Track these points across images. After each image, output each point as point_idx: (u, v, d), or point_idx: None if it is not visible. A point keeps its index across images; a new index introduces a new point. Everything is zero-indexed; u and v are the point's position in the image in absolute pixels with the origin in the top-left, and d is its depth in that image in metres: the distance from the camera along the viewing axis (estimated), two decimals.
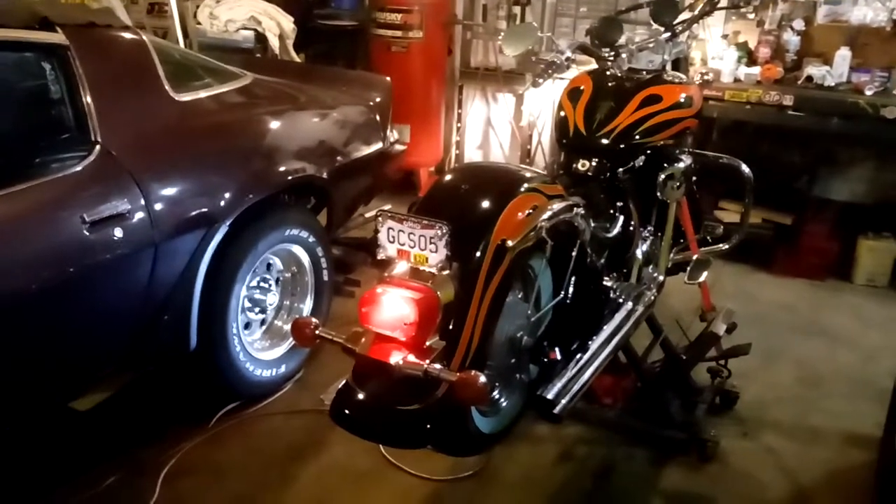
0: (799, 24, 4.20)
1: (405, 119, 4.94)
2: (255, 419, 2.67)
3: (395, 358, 1.60)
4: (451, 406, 1.59)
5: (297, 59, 4.51)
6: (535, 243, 1.86)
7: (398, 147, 3.54)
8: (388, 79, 3.63)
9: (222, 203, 2.40)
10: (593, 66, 2.68)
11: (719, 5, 2.71)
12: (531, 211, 1.81)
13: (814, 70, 4.03)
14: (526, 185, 1.87)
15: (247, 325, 2.73)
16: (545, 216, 1.84)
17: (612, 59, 2.60)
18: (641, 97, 2.44)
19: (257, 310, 2.78)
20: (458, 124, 5.37)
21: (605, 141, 2.38)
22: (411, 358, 1.60)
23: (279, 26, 4.30)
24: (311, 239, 2.85)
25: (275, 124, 2.77)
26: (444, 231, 1.60)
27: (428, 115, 5.08)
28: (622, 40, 2.68)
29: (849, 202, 4.12)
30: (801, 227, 4.13)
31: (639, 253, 2.44)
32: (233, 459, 2.47)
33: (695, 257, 2.76)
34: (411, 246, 1.64)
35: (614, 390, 2.72)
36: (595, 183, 2.41)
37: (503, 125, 5.34)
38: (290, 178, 2.73)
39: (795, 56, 4.22)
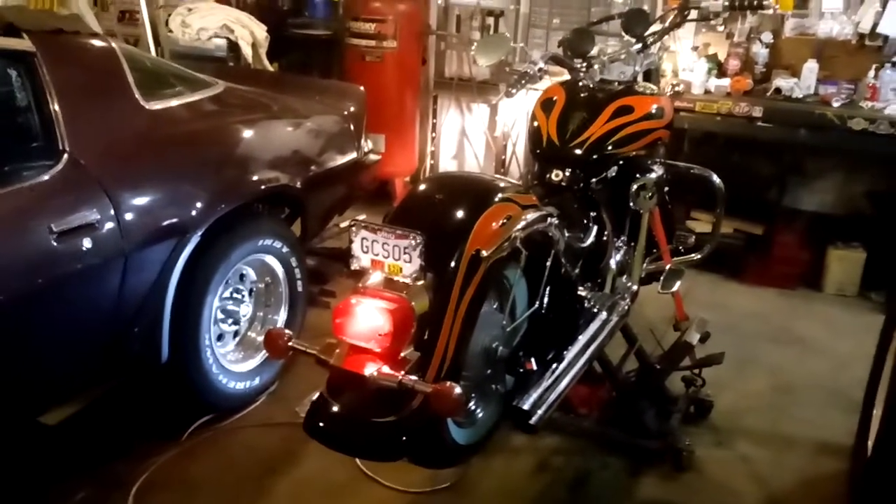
0: (767, 37, 4.27)
1: (380, 129, 4.93)
2: (228, 432, 2.63)
3: (370, 369, 1.58)
4: (427, 418, 1.57)
5: (270, 68, 4.49)
6: (510, 253, 1.86)
7: (372, 157, 3.53)
8: (362, 88, 3.62)
9: (193, 213, 2.37)
10: (566, 76, 2.71)
11: (689, 17, 2.73)
12: (505, 221, 1.81)
13: (782, 82, 4.10)
14: (500, 195, 1.87)
15: (220, 337, 2.70)
16: (519, 226, 1.84)
17: (584, 70, 2.62)
18: (613, 108, 2.46)
19: (230, 321, 2.74)
20: (433, 134, 5.38)
21: (577, 151, 2.39)
22: (386, 369, 1.58)
23: (252, 35, 4.28)
24: (285, 249, 2.82)
25: (247, 133, 2.74)
26: (418, 241, 1.59)
27: (402, 125, 5.08)
28: (594, 51, 2.70)
29: (818, 212, 4.19)
30: (772, 237, 4.18)
31: (612, 263, 2.45)
32: (206, 474, 2.43)
33: (668, 267, 2.77)
34: (385, 256, 1.63)
35: (590, 400, 2.72)
36: (569, 193, 2.42)
37: (478, 135, 5.35)
38: (262, 187, 2.70)
39: (764, 68, 4.29)
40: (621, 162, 2.52)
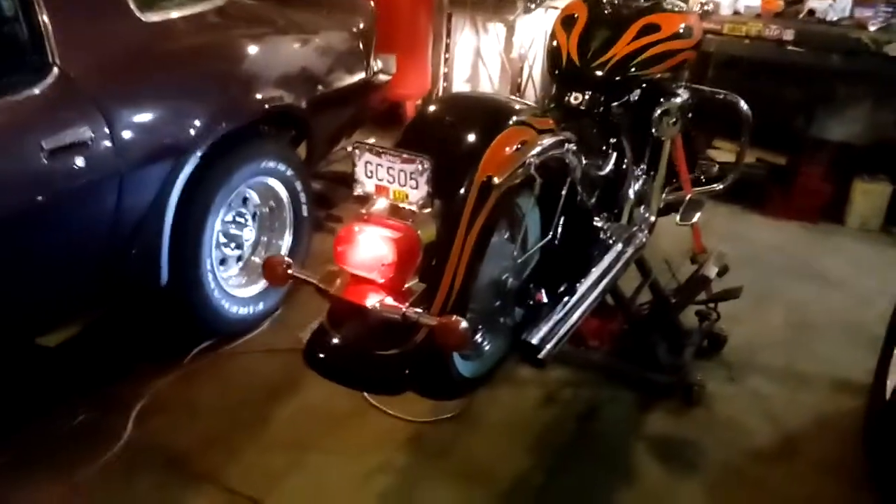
0: None
1: (391, 48, 4.71)
2: (230, 357, 2.59)
3: (372, 301, 1.50)
4: (431, 351, 1.50)
5: None
6: (523, 181, 1.75)
7: (382, 77, 3.38)
8: (372, 3, 3.43)
9: (192, 132, 2.26)
10: None
11: None
12: (520, 146, 1.69)
13: (816, 3, 3.87)
14: (515, 118, 1.76)
15: (223, 261, 2.63)
16: (534, 152, 1.72)
17: None
18: (639, 26, 2.30)
19: (233, 245, 2.66)
20: (447, 55, 5.17)
21: (599, 72, 2.25)
22: (389, 301, 1.51)
23: None
24: (289, 172, 2.71)
25: (251, 49, 2.60)
26: (426, 166, 1.49)
27: (415, 45, 4.89)
28: None
29: (845, 143, 4.01)
30: (796, 168, 4.03)
31: (631, 192, 2.33)
32: (206, 398, 2.40)
33: (688, 197, 2.66)
34: (390, 182, 1.53)
35: (601, 332, 2.65)
36: (588, 117, 2.29)
37: (493, 57, 5.15)
38: (266, 107, 2.58)
39: None
40: (644, 85, 2.38)
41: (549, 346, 1.77)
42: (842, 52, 3.67)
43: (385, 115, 4.79)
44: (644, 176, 2.50)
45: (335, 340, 1.55)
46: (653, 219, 2.53)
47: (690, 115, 2.74)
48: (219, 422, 2.31)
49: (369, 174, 1.55)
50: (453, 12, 5.03)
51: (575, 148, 1.92)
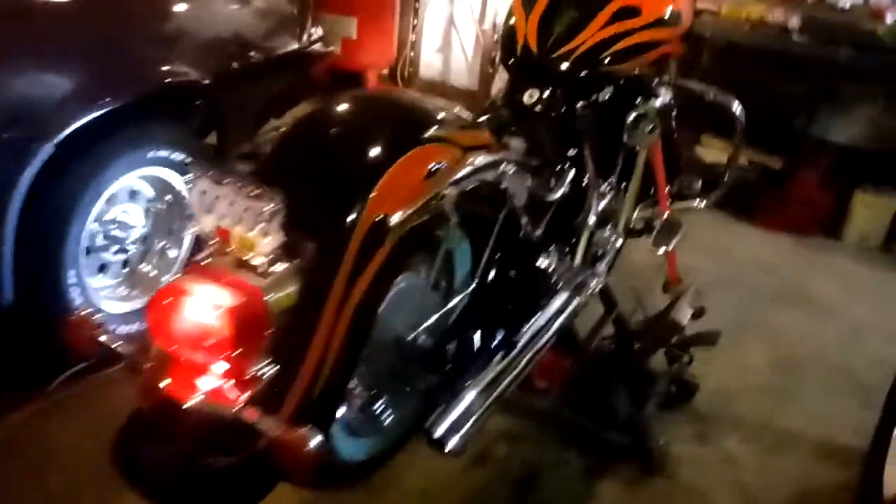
0: None
1: (351, 11, 4.29)
2: (104, 386, 2.13)
3: (196, 393, 1.07)
4: (273, 467, 1.08)
5: None
6: (438, 216, 1.32)
7: (320, 48, 2.89)
8: None
9: (42, 116, 1.79)
10: None
11: None
12: (432, 172, 1.25)
13: None
14: (432, 131, 1.30)
15: (102, 268, 2.18)
16: (454, 179, 1.28)
17: None
18: (614, 8, 1.85)
19: (114, 249, 2.20)
20: (415, 21, 4.68)
21: (562, 64, 1.80)
22: (220, 392, 1.07)
23: None
24: (190, 161, 2.25)
25: (134, 8, 2.11)
26: (280, 206, 1.05)
27: (378, 8, 4.40)
28: None
29: (848, 147, 3.57)
30: (792, 173, 3.61)
31: (592, 216, 1.89)
32: (71, 438, 1.96)
33: (664, 216, 2.22)
34: (233, 223, 1.09)
35: (551, 372, 2.22)
36: (544, 121, 1.84)
37: (467, 25, 4.66)
38: (154, 83, 2.11)
39: None
40: (617, 82, 1.93)
41: (456, 439, 1.35)
42: (853, 45, 3.23)
43: (345, 85, 4.32)
44: (611, 191, 2.07)
45: (147, 440, 1.12)
46: (620, 242, 2.10)
47: (674, 115, 2.31)
48: (86, 468, 1.87)
49: (208, 209, 1.10)
50: None
51: (515, 168, 1.48)
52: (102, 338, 1.17)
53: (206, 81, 2.28)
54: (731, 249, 3.36)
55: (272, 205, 1.05)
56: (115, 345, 1.16)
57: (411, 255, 1.33)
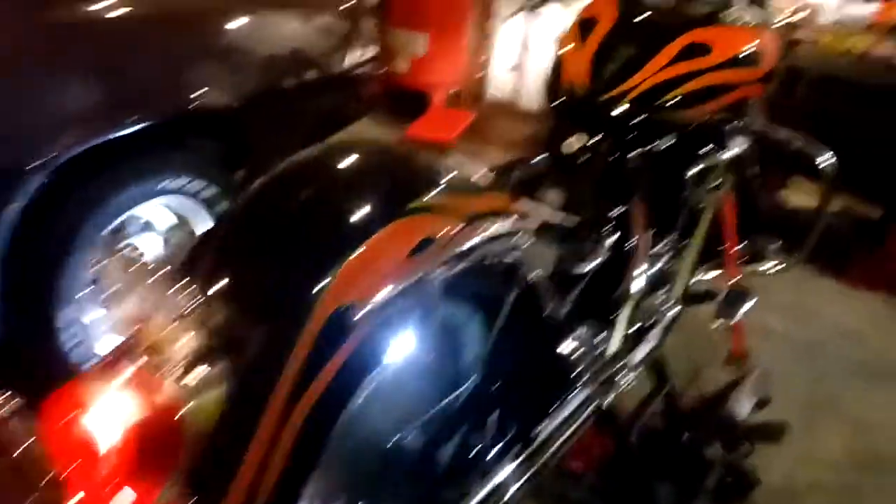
0: None
1: (422, 26, 4.10)
2: None
3: None
4: None
5: None
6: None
7: (370, 69, 2.69)
8: None
9: (34, 145, 1.65)
10: None
11: None
12: (423, 246, 1.02)
13: None
14: (423, 199, 1.07)
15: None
16: (443, 258, 1.04)
17: None
18: (681, 44, 1.58)
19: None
20: (486, 39, 4.45)
21: (614, 107, 1.54)
22: None
23: None
24: (210, 192, 2.09)
25: (153, 21, 1.95)
26: (197, 297, 0.84)
27: (451, 24, 4.18)
28: None
29: None
30: (890, 224, 3.19)
31: (638, 283, 1.61)
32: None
33: (730, 283, 1.92)
34: (147, 315, 0.89)
35: (589, 451, 1.96)
36: (587, 172, 1.59)
37: (543, 45, 4.39)
38: (171, 108, 1.95)
39: None
40: (682, 129, 1.66)
41: None
42: None
43: (410, 104, 4.14)
44: (668, 253, 1.79)
45: None
46: (675, 311, 1.82)
47: (752, 167, 2.02)
48: None
49: (121, 295, 0.91)
50: None
51: (535, 238, 1.23)
52: None
53: (234, 105, 2.12)
54: (813, 310, 2.98)
55: (188, 295, 0.84)
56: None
57: (392, 343, 1.10)
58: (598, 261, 1.47)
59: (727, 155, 1.72)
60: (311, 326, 0.93)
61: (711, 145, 1.70)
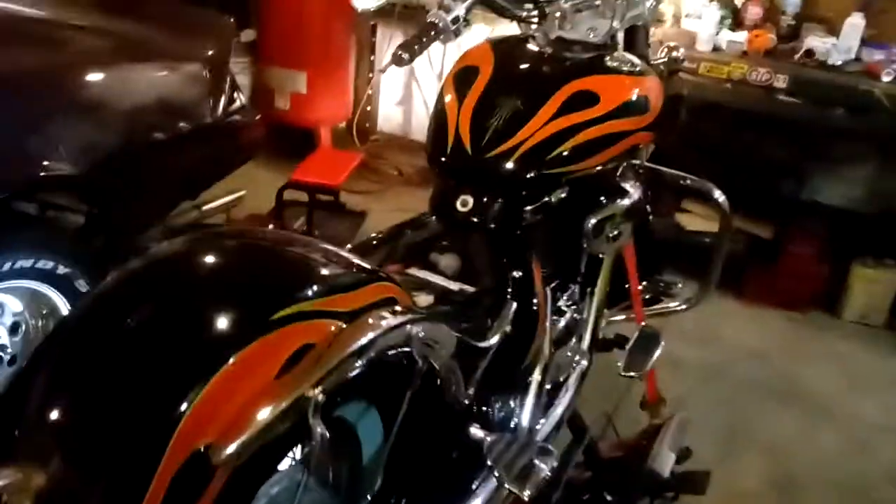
0: None
1: (299, 64, 3.95)
2: None
3: None
4: None
5: None
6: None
7: (241, 118, 2.51)
8: (231, 19, 2.56)
9: None
10: (503, 31, 1.74)
11: None
12: (297, 357, 0.87)
13: (816, 42, 3.08)
14: (293, 305, 0.92)
15: None
16: (322, 373, 0.89)
17: (533, 21, 1.65)
18: (566, 94, 1.49)
19: None
20: (371, 73, 4.33)
21: (503, 165, 1.44)
22: None
23: None
24: (64, 270, 1.86)
25: None
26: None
27: (330, 61, 4.04)
28: None
29: (843, 209, 3.21)
30: (782, 243, 3.25)
31: (540, 361, 1.50)
32: None
33: (640, 328, 1.85)
34: None
35: None
36: (482, 233, 1.48)
37: (428, 77, 4.32)
38: (9, 182, 1.73)
39: (794, 21, 3.26)
40: (576, 181, 1.57)
41: None
42: (848, 107, 2.90)
43: (296, 143, 3.96)
44: (571, 306, 1.70)
45: None
46: (585, 363, 1.72)
47: (646, 208, 1.96)
48: None
49: None
50: (378, 23, 4.18)
51: (429, 325, 1.09)
52: None
53: (89, 170, 1.90)
54: (717, 332, 2.99)
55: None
56: None
57: (268, 479, 0.94)
58: (502, 331, 1.35)
59: (623, 202, 1.64)
60: (159, 478, 0.76)
61: (606, 195, 1.62)
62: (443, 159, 1.48)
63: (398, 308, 1.03)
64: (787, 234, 3.25)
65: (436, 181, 1.52)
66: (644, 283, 2.01)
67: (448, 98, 1.55)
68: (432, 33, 1.57)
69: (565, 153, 1.46)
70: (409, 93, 4.47)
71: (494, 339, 1.34)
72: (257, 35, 3.99)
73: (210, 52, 2.35)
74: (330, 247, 1.09)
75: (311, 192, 2.98)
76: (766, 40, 3.13)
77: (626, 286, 1.95)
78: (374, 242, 1.53)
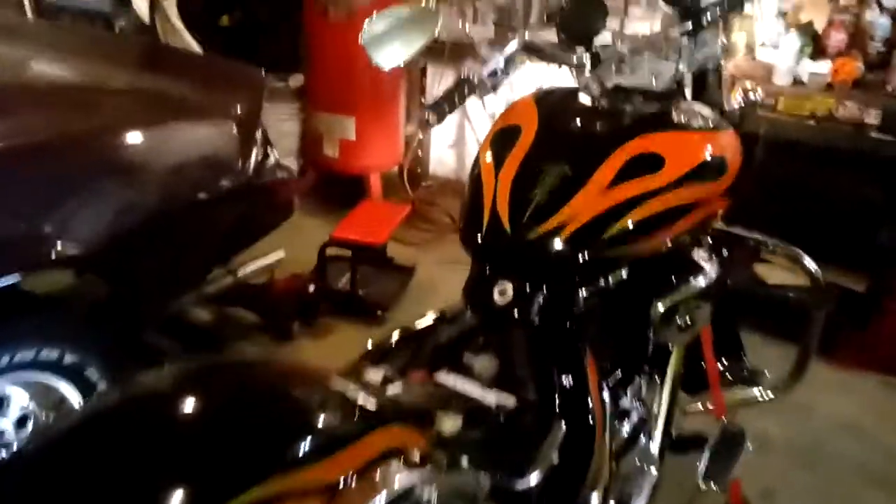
0: (892, 0, 2.89)
1: (348, 110, 3.80)
2: None
3: None
4: None
5: (179, 26, 3.28)
6: None
7: (275, 175, 2.34)
8: (263, 72, 2.39)
9: None
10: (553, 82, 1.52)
11: None
12: None
13: None
14: (275, 477, 0.70)
15: None
16: None
17: (585, 66, 1.41)
18: (624, 157, 1.25)
19: None
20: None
21: (549, 246, 1.20)
22: None
23: None
24: (72, 358, 1.70)
25: None
26: None
27: (379, 105, 3.88)
28: (606, 35, 1.50)
29: None
30: (879, 298, 2.89)
31: (600, 483, 1.24)
32: None
33: (721, 428, 1.57)
34: None
35: None
36: (524, 329, 1.24)
37: (483, 116, 4.10)
38: (18, 265, 1.58)
39: (884, 47, 2.90)
40: (638, 263, 1.32)
41: None
42: None
43: (346, 190, 3.81)
44: (634, 409, 1.44)
45: None
46: (654, 473, 1.45)
47: (726, 280, 1.69)
48: None
49: None
50: (428, 64, 4.01)
51: (445, 485, 0.86)
52: None
53: (98, 251, 1.74)
54: (805, 402, 2.63)
55: None
56: None
57: None
58: (549, 463, 1.10)
59: (698, 282, 1.38)
60: None
61: (676, 272, 1.37)
62: (477, 240, 1.25)
63: (402, 465, 0.80)
64: (883, 288, 2.88)
65: (471, 266, 1.29)
66: (723, 367, 1.73)
67: (484, 165, 1.33)
68: (465, 90, 1.37)
69: (624, 230, 1.21)
70: (461, 134, 4.28)
71: (538, 475, 1.08)
72: (305, 80, 3.88)
73: (238, 108, 2.19)
74: (323, 375, 0.87)
75: (355, 249, 2.79)
76: (854, 69, 2.81)
77: (702, 366, 1.68)
78: (397, 341, 1.30)
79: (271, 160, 2.33)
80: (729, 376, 1.73)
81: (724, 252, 1.60)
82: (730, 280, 1.86)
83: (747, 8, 2.55)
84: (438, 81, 4.06)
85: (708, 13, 1.49)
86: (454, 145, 4.28)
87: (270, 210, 2.42)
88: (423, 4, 1.44)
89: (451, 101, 1.33)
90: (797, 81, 2.86)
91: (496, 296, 1.22)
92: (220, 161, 2.14)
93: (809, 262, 1.65)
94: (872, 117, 2.65)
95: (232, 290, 2.49)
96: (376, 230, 2.84)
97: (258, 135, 2.25)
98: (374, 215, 3.05)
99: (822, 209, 2.82)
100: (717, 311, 1.65)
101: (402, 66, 1.43)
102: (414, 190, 4.09)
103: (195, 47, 3.21)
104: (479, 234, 1.25)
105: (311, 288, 2.70)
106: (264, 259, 2.51)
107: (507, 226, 1.21)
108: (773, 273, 2.96)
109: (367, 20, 1.36)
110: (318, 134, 3.86)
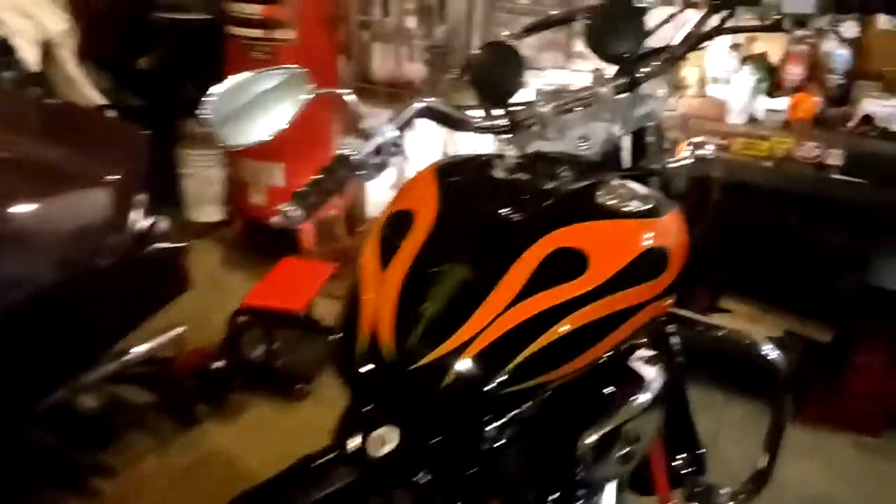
0: (850, 30, 2.69)
1: (276, 156, 3.55)
2: None
3: None
4: None
5: (78, 76, 2.97)
6: None
7: (161, 246, 2.04)
8: (148, 132, 2.09)
9: None
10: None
11: (731, 28, 1.28)
12: None
13: (874, 106, 2.54)
14: None
15: None
16: None
17: (504, 129, 1.17)
18: (539, 256, 0.99)
19: None
20: None
21: (444, 376, 0.92)
22: None
23: (40, 27, 2.76)
24: None
25: None
26: None
27: (310, 150, 3.58)
28: (528, 90, 1.25)
29: None
30: (846, 348, 2.67)
31: None
32: None
33: None
34: None
35: None
36: (408, 486, 0.96)
37: (420, 159, 3.84)
38: None
39: (844, 80, 2.71)
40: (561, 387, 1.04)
41: None
42: None
43: (273, 241, 3.50)
44: None
45: None
46: None
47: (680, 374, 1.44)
48: None
49: None
50: (365, 103, 3.73)
51: None
52: None
53: None
54: (777, 473, 2.39)
55: None
56: None
57: None
58: None
59: (639, 399, 1.11)
60: None
61: (609, 397, 1.10)
62: (352, 368, 0.97)
63: None
64: (851, 338, 2.66)
65: (345, 402, 1.00)
66: (676, 476, 1.47)
67: (366, 267, 1.05)
68: (341, 174, 1.09)
69: (540, 354, 0.94)
70: (403, 175, 4.01)
71: None
72: None
73: (117, 174, 1.89)
74: None
75: (269, 318, 2.49)
76: (811, 105, 2.59)
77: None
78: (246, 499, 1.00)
79: (160, 228, 2.04)
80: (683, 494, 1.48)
81: (673, 341, 1.35)
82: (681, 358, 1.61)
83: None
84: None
85: (646, 65, 1.25)
86: (395, 186, 4.00)
87: (158, 284, 2.12)
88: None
89: (319, 190, 1.04)
90: (753, 119, 2.65)
91: (377, 444, 0.93)
92: (94, 233, 1.85)
93: (771, 350, 1.40)
94: (834, 158, 2.43)
95: (127, 371, 2.19)
96: (295, 294, 2.54)
97: (141, 202, 1.94)
98: (295, 276, 2.75)
99: (782, 257, 2.61)
100: (672, 414, 1.40)
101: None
102: (351, 236, 3.81)
103: (95, 97, 2.92)
104: (352, 362, 0.96)
105: (221, 362, 2.39)
106: (160, 338, 2.21)
107: (391, 349, 0.94)
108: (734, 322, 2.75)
109: (208, 93, 1.06)
110: (244, 182, 3.59)
